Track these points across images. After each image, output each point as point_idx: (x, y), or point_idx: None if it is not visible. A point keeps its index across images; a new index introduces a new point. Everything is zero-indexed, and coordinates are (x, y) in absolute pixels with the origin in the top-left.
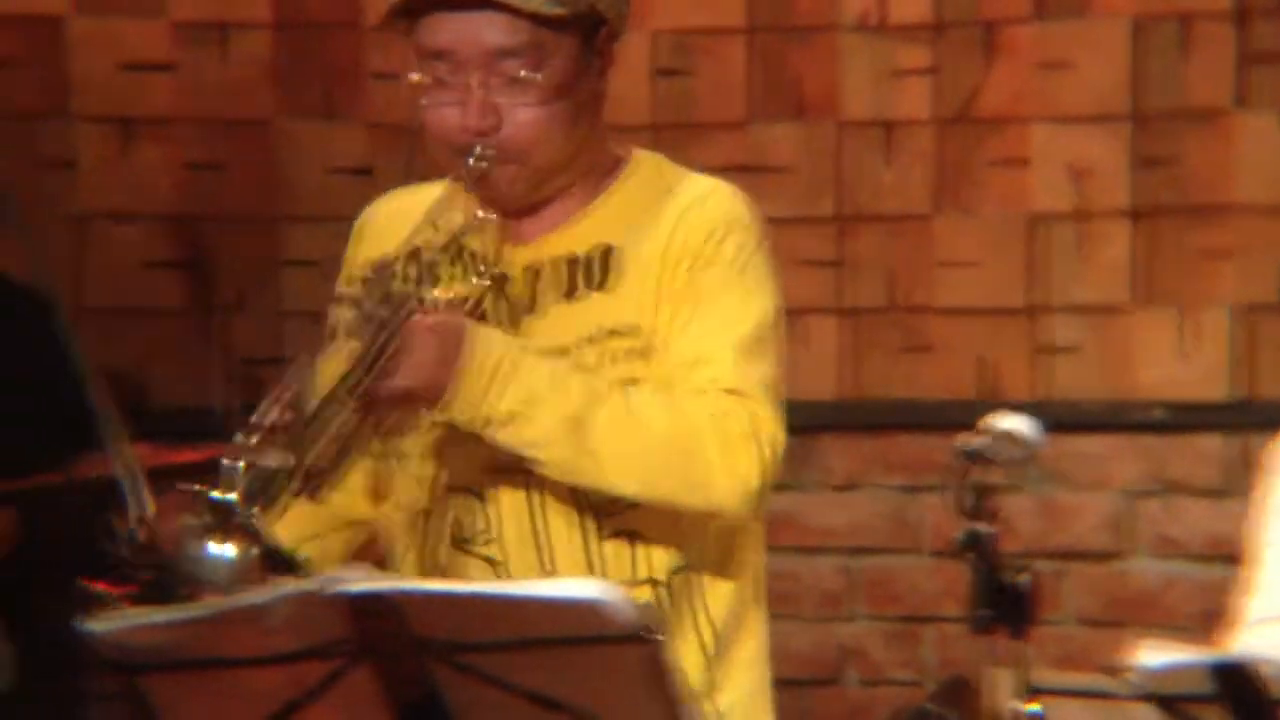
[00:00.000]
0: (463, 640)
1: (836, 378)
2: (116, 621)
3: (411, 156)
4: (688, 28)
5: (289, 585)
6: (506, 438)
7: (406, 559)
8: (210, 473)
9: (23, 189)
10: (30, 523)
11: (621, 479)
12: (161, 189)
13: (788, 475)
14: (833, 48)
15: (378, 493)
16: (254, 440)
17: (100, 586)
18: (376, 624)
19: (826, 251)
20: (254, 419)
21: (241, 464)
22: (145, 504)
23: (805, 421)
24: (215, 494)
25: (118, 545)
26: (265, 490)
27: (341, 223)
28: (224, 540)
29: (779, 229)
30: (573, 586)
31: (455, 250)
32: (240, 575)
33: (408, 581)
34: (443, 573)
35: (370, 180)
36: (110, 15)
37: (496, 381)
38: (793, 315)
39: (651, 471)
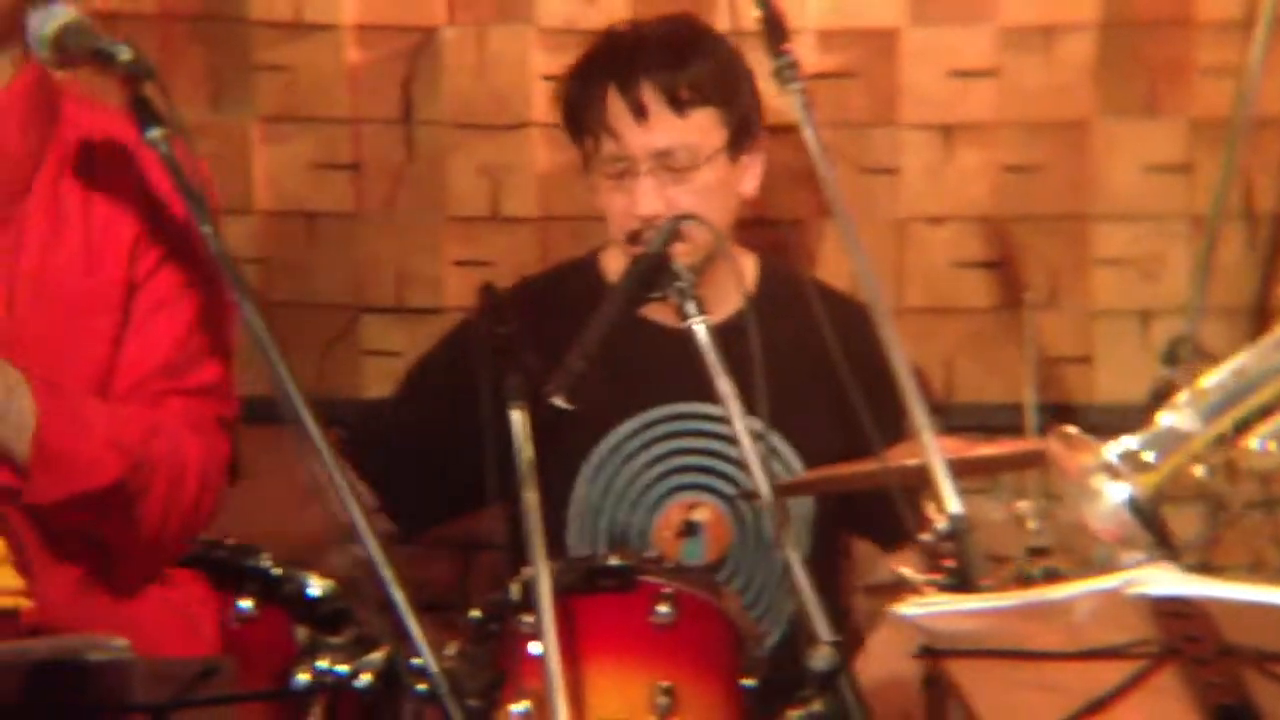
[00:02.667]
0: (1273, 649)
1: None
2: (927, 606)
3: (1232, 151)
4: None
5: (1093, 582)
6: None
7: None
8: (1020, 466)
9: (849, 194)
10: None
11: None
12: (977, 192)
13: None
14: None
15: None
16: None
17: (907, 570)
18: (1183, 626)
19: None
20: None
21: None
22: (954, 496)
23: None
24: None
25: (926, 532)
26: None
27: (1156, 221)
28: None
29: None
30: None
31: None
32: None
33: (1214, 586)
34: None
35: (1188, 177)
36: (942, 24)
37: None
38: None
39: None
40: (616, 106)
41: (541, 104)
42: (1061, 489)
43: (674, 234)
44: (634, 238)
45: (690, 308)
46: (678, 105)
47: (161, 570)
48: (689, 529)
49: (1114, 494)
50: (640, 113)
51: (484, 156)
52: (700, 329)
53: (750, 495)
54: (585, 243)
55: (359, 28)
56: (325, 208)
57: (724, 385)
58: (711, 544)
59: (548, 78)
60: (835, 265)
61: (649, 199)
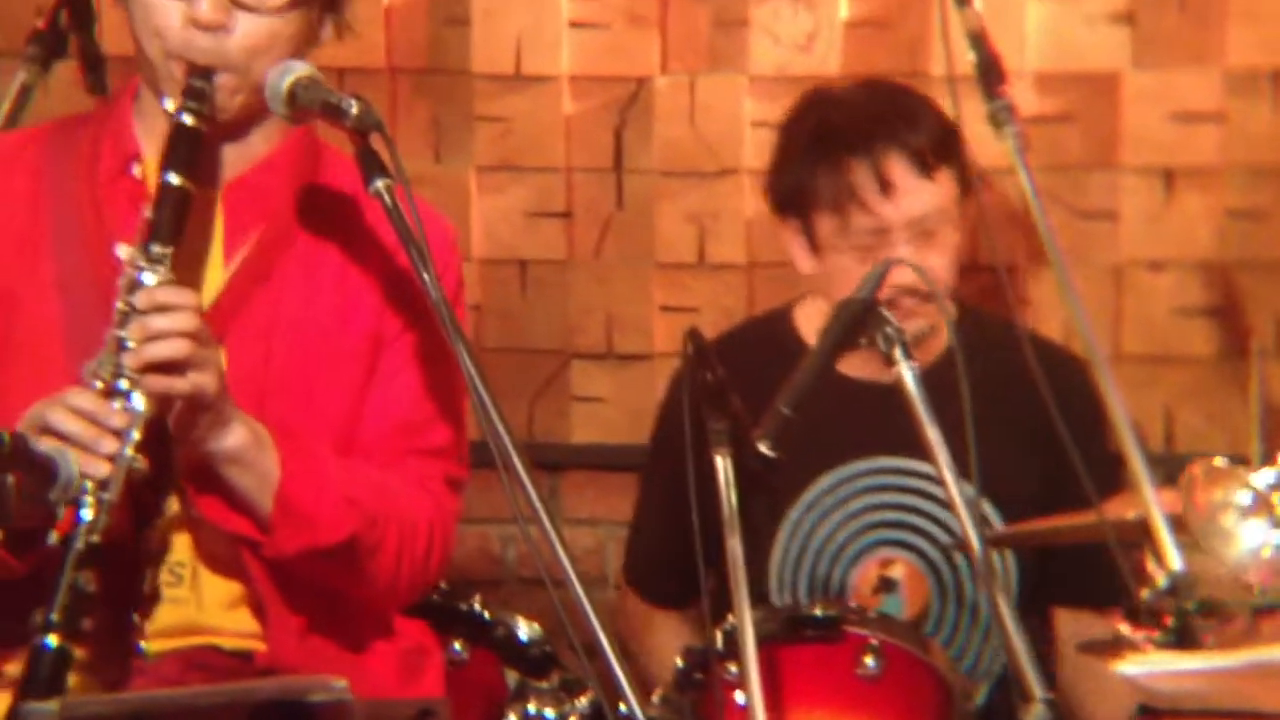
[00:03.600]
0: None
1: None
2: (1148, 664)
3: None
4: None
5: None
6: None
7: None
8: None
9: (1065, 239)
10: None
11: None
12: (1199, 236)
13: None
14: None
15: None
16: None
17: (1125, 628)
18: None
19: None
20: None
21: None
22: (1175, 550)
23: None
24: None
25: (1146, 589)
26: None
27: None
28: None
29: None
30: None
31: None
32: None
33: None
34: None
35: None
36: (1165, 68)
37: None
38: None
39: None
40: (863, 179)
41: (751, 151)
42: (1194, 528)
43: (882, 279)
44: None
45: (899, 354)
46: (925, 169)
47: (390, 620)
48: (886, 585)
49: (1250, 535)
50: (891, 183)
51: (692, 203)
52: (910, 376)
53: (960, 547)
54: (791, 289)
55: (575, 79)
56: (538, 255)
57: (933, 434)
58: (909, 601)
59: (758, 125)
60: (1050, 312)
61: (904, 268)
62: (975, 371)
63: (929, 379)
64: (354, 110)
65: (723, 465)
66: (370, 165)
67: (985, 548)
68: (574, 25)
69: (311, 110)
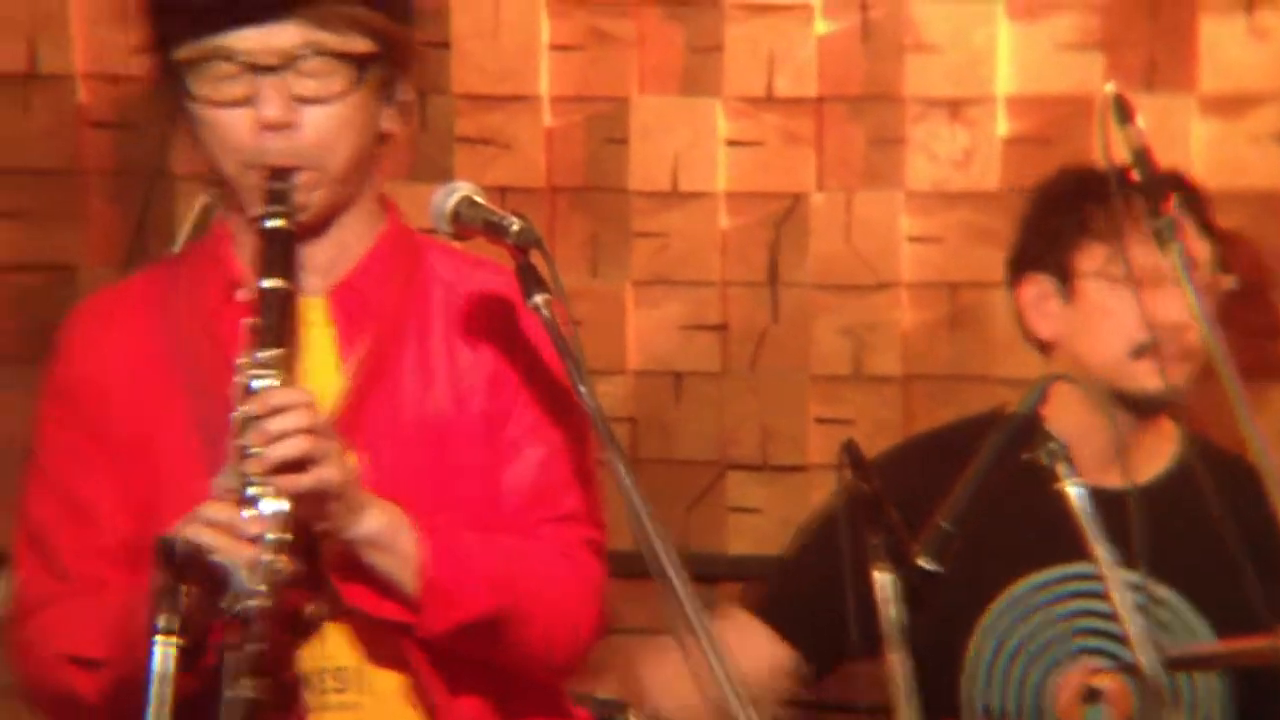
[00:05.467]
0: None
1: None
2: None
3: None
4: None
5: None
6: None
7: None
8: None
9: None
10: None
11: None
12: None
13: None
14: None
15: None
16: None
17: None
18: None
19: None
20: None
21: None
22: None
23: None
24: None
25: None
26: None
27: None
28: None
29: None
30: None
31: None
32: None
33: None
34: None
35: None
36: None
37: None
38: None
39: None
40: (1143, 211)
41: (908, 265)
42: None
43: (1045, 393)
44: (1140, 351)
45: (1063, 470)
46: (1204, 226)
47: (558, 695)
48: (1091, 695)
49: None
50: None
51: (848, 317)
52: (1077, 494)
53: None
54: (947, 401)
55: (731, 195)
56: (693, 367)
57: (1100, 549)
58: (1114, 716)
59: (915, 240)
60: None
61: (1176, 306)
62: (1198, 487)
63: (1154, 491)
64: (514, 227)
65: (883, 581)
66: (529, 280)
67: (1164, 670)
68: (731, 144)
69: (474, 228)
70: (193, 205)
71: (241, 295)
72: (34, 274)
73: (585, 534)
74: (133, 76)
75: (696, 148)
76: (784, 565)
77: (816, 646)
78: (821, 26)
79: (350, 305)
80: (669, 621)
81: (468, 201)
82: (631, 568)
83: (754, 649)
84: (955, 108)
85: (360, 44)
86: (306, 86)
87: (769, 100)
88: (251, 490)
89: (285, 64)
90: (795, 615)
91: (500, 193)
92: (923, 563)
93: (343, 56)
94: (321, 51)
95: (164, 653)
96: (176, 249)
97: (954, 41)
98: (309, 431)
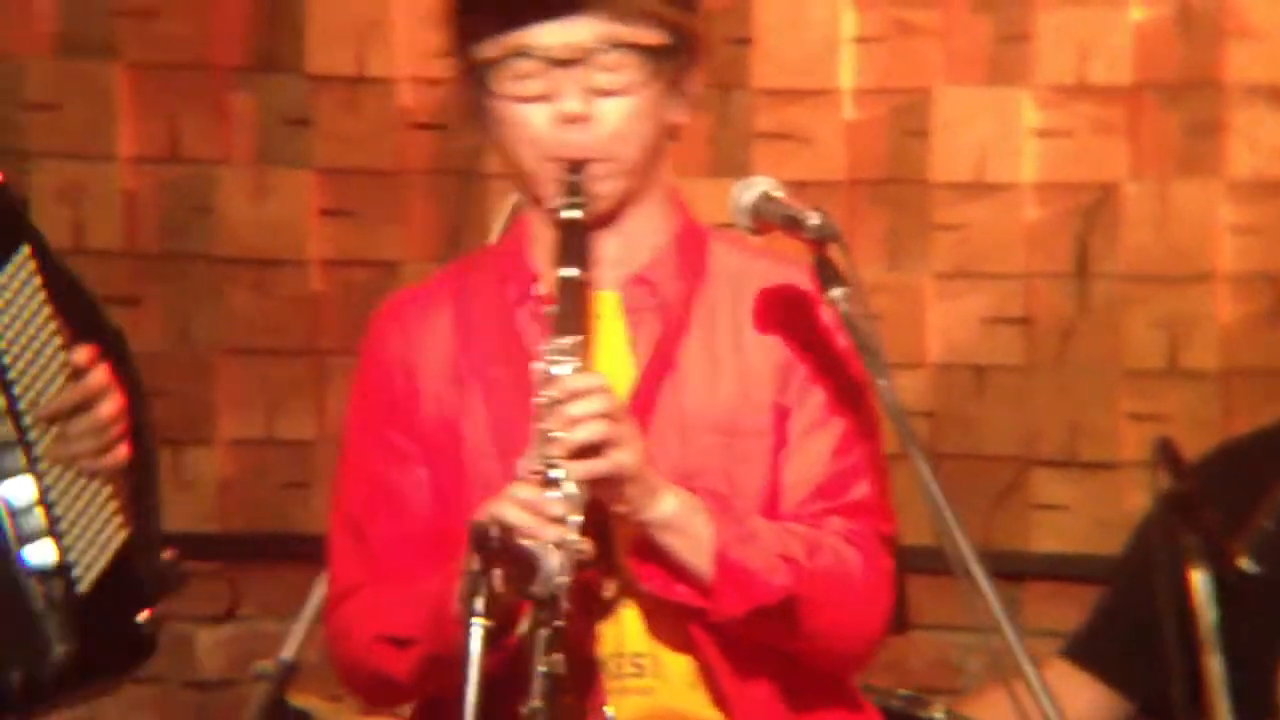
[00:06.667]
0: None
1: None
2: None
3: None
4: None
5: None
6: None
7: None
8: None
9: None
10: None
11: None
12: None
13: None
14: None
15: None
16: None
17: None
18: None
19: None
20: None
21: None
22: None
23: None
24: None
25: None
26: None
27: None
28: None
29: None
30: None
31: None
32: None
33: None
34: None
35: None
36: None
37: None
38: None
39: None
40: None
41: (1229, 256)
42: None
43: None
44: None
45: None
46: None
47: (848, 688)
48: None
49: None
50: None
51: (1162, 309)
52: None
53: None
54: (1271, 398)
55: (1038, 186)
56: (995, 361)
57: None
58: None
59: (1238, 230)
60: None
61: None
62: None
63: None
64: (813, 221)
65: (1198, 581)
66: (827, 274)
67: None
68: (1040, 134)
69: (772, 222)
70: (505, 203)
71: (539, 289)
72: (361, 270)
73: (874, 525)
74: (451, 79)
75: (1002, 138)
76: (1100, 606)
77: (1141, 688)
78: (1137, 13)
79: (641, 298)
80: (972, 619)
81: (766, 196)
82: (932, 563)
83: (1074, 697)
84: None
85: (654, 36)
86: (603, 80)
87: (1081, 89)
88: (553, 473)
89: (582, 58)
90: (1116, 657)
91: (799, 186)
92: (1243, 564)
93: (638, 49)
94: (617, 45)
95: (475, 634)
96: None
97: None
98: (606, 416)
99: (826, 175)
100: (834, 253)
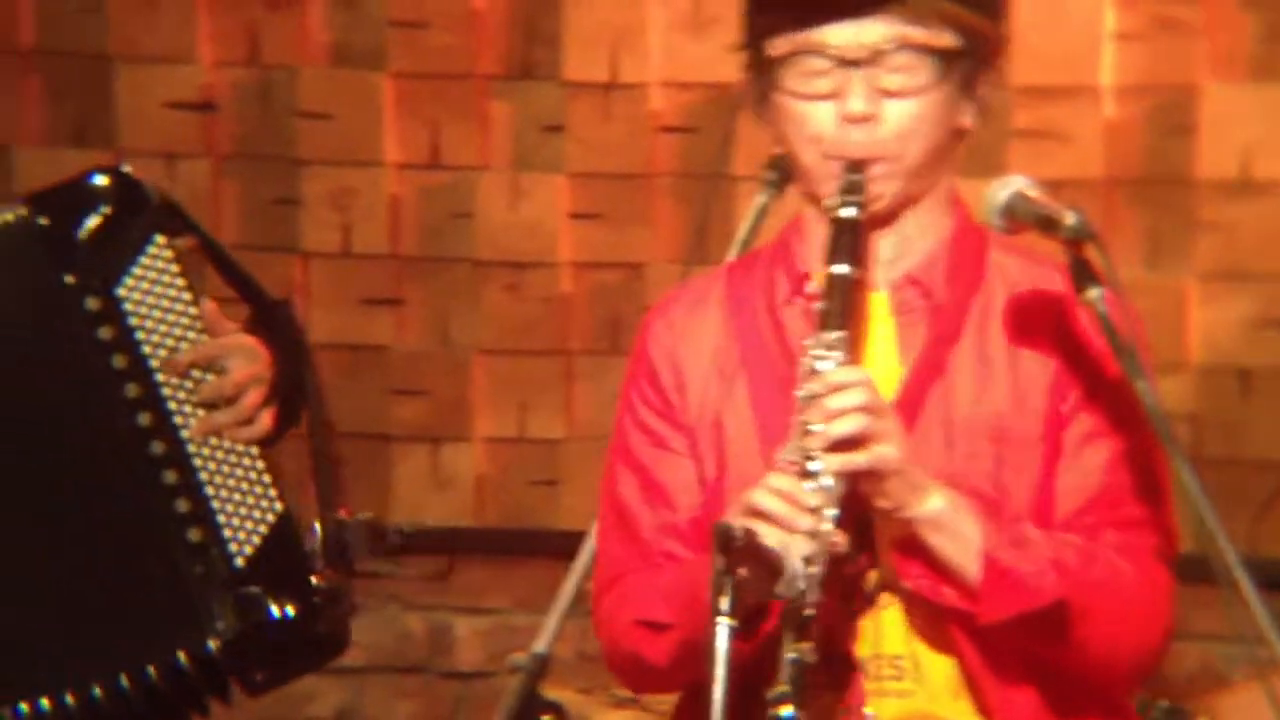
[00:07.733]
0: None
1: None
2: None
3: None
4: None
5: None
6: None
7: None
8: None
9: None
10: None
11: None
12: None
13: None
14: None
15: None
16: None
17: None
18: None
19: None
20: None
21: None
22: None
23: None
24: None
25: None
26: None
27: None
28: None
29: None
30: None
31: None
32: None
33: None
34: None
35: None
36: None
37: None
38: None
39: None
40: None
41: None
42: None
43: None
44: None
45: None
46: None
47: (1114, 698)
48: None
49: None
50: None
51: None
52: None
53: None
54: None
55: None
56: (1262, 364)
57: None
58: None
59: None
60: None
61: None
62: None
63: None
64: (1069, 221)
65: None
66: (1083, 275)
67: None
68: None
69: (1026, 222)
70: (751, 205)
71: (810, 287)
72: (610, 271)
73: (1151, 541)
74: (701, 83)
75: (1272, 136)
76: None
77: None
78: None
79: (911, 299)
80: (1237, 629)
81: (1021, 195)
82: (1195, 571)
83: None
84: None
85: (947, 39)
86: (892, 81)
87: None
88: (811, 465)
89: (873, 58)
90: None
91: (1054, 185)
92: None
93: (930, 51)
94: (909, 46)
95: (721, 633)
96: (734, 247)
97: None
98: (866, 409)
99: (1084, 174)
100: (1090, 253)
